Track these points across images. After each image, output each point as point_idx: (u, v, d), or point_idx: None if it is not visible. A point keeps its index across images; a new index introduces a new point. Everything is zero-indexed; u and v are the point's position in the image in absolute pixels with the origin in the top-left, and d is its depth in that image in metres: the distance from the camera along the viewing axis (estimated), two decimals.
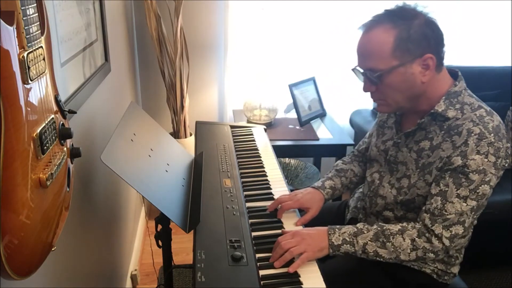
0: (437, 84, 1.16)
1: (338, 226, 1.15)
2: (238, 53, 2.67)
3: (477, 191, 1.09)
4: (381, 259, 1.12)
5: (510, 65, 2.70)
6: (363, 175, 1.50)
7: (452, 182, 1.10)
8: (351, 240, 1.12)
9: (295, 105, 2.41)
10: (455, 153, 1.11)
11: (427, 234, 1.11)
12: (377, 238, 1.12)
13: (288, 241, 1.06)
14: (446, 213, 1.10)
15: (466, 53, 2.77)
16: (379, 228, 1.14)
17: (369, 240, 1.12)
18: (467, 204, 1.10)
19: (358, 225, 1.16)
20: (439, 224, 1.11)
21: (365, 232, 1.13)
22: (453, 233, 1.10)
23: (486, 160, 1.08)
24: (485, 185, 1.09)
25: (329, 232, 1.13)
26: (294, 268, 1.01)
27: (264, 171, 1.50)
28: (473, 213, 1.12)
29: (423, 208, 1.15)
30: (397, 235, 1.12)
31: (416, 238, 1.11)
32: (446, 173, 1.12)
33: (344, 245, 1.11)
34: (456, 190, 1.10)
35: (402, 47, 1.09)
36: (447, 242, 1.10)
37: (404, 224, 1.15)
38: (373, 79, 1.14)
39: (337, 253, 1.12)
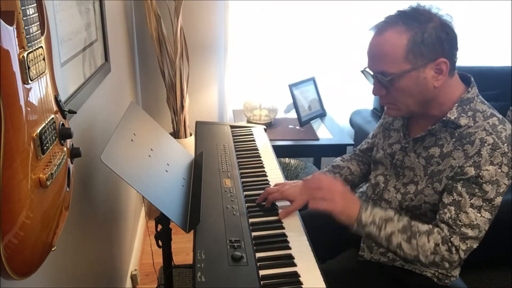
0: (449, 89, 1.13)
1: (371, 204, 1.13)
2: (238, 53, 2.67)
3: (492, 203, 1.08)
4: (401, 253, 1.10)
5: (510, 65, 2.70)
6: (360, 175, 1.49)
7: (466, 192, 1.09)
8: (380, 224, 1.10)
9: (295, 105, 2.41)
10: (467, 163, 1.09)
11: (449, 244, 1.10)
12: (405, 231, 1.10)
13: (316, 191, 1.08)
14: (460, 223, 1.09)
15: (466, 53, 2.77)
16: (408, 222, 1.12)
17: (397, 230, 1.10)
18: (482, 215, 1.08)
19: (389, 211, 1.14)
20: (456, 236, 1.09)
21: (396, 221, 1.11)
22: (468, 246, 1.09)
23: (499, 170, 1.06)
24: (500, 197, 1.08)
25: (361, 207, 1.11)
26: (311, 206, 1.04)
27: (264, 171, 1.50)
28: (487, 225, 1.10)
29: (438, 217, 1.13)
30: (423, 235, 1.10)
31: (440, 244, 1.10)
32: (458, 182, 1.10)
33: (371, 225, 1.09)
34: (470, 200, 1.08)
35: (415, 51, 1.05)
36: (462, 255, 1.10)
37: (431, 226, 1.12)
38: (384, 83, 1.11)
39: (359, 231, 1.10)
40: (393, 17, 1.10)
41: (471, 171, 1.08)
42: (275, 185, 1.36)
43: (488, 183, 1.07)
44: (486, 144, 1.07)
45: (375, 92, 1.16)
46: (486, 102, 1.17)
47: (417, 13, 1.08)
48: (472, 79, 1.18)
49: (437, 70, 1.08)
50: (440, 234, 1.11)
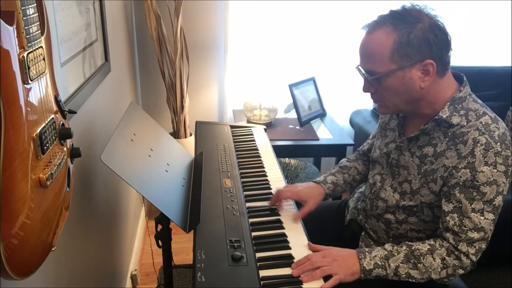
0: (439, 88, 1.13)
1: (367, 250, 1.13)
2: (238, 53, 2.67)
3: (493, 203, 1.07)
4: (414, 280, 1.10)
5: (510, 65, 2.70)
6: (367, 174, 1.49)
7: (464, 198, 1.08)
8: (383, 263, 1.10)
9: (295, 105, 2.41)
10: (461, 164, 1.09)
11: (456, 252, 1.10)
12: (408, 260, 1.10)
13: (320, 260, 1.05)
14: (465, 228, 1.09)
15: (466, 53, 2.77)
16: (408, 249, 1.12)
17: (400, 263, 1.10)
18: (485, 218, 1.08)
19: (386, 246, 1.14)
20: (463, 243, 1.09)
21: (395, 254, 1.11)
22: (477, 248, 1.10)
23: (495, 170, 1.06)
24: (500, 196, 1.08)
25: (360, 257, 1.10)
26: (326, 287, 1.00)
27: (264, 171, 1.50)
28: (492, 225, 1.10)
29: (442, 226, 1.13)
30: (427, 255, 1.10)
31: (446, 257, 1.10)
32: (455, 189, 1.10)
33: (376, 269, 1.09)
34: (470, 205, 1.08)
35: (401, 51, 1.07)
36: (474, 258, 1.10)
37: (431, 242, 1.13)
38: (371, 81, 1.14)
39: (368, 278, 1.10)
40: (383, 17, 1.11)
41: (466, 173, 1.07)
42: (285, 187, 1.35)
43: (485, 185, 1.06)
44: (479, 144, 1.07)
45: (364, 89, 1.18)
46: (479, 100, 1.17)
47: (407, 13, 1.09)
48: (465, 78, 1.18)
49: (424, 71, 1.09)
50: (443, 246, 1.11)
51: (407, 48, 1.06)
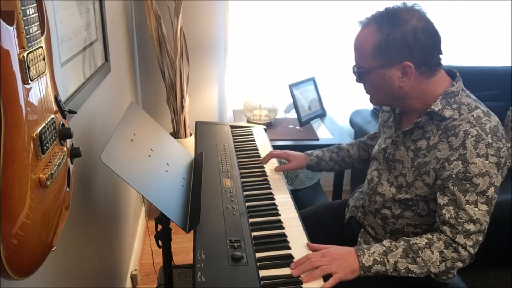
0: (427, 87, 1.16)
1: (365, 247, 1.13)
2: (238, 53, 2.67)
3: (486, 194, 1.08)
4: (413, 275, 1.11)
5: (510, 65, 2.70)
6: (358, 159, 1.58)
7: (458, 190, 1.09)
8: (382, 259, 1.10)
9: (295, 105, 2.41)
10: (453, 156, 1.10)
11: (453, 245, 1.10)
12: (407, 254, 1.11)
13: (319, 259, 1.05)
14: (461, 221, 1.09)
15: (466, 53, 2.77)
16: (406, 244, 1.12)
17: (399, 258, 1.10)
18: (479, 209, 1.09)
19: (384, 242, 1.14)
20: (460, 235, 1.10)
21: (394, 249, 1.12)
22: (474, 240, 1.10)
23: (487, 162, 1.07)
24: (492, 187, 1.08)
25: (358, 254, 1.11)
26: (326, 286, 1.00)
27: (264, 171, 1.50)
28: (487, 217, 1.11)
29: (438, 219, 1.14)
30: (425, 249, 1.11)
31: (444, 250, 1.10)
32: (448, 182, 1.11)
33: (375, 265, 1.09)
34: (464, 197, 1.09)
35: (381, 51, 1.13)
36: (471, 250, 1.10)
37: (429, 236, 1.13)
38: (357, 74, 1.21)
39: (368, 274, 1.10)
40: (375, 15, 1.17)
41: (459, 165, 1.09)
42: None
43: (478, 176, 1.07)
44: (469, 136, 1.09)
45: (356, 80, 1.25)
46: (472, 95, 1.19)
47: (395, 15, 1.13)
48: (458, 74, 1.21)
49: (403, 72, 1.14)
50: (441, 239, 1.11)
51: (385, 49, 1.12)
